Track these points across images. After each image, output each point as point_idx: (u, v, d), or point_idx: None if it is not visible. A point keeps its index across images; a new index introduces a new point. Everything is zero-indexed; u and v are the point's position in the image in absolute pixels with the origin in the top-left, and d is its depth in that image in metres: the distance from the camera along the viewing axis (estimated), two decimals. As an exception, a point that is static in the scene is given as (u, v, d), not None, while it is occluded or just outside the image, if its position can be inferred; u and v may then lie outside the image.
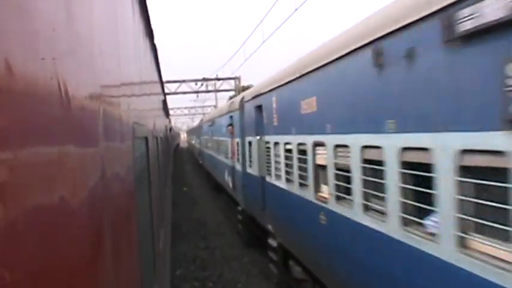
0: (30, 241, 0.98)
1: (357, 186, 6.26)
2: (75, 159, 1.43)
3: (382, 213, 5.64)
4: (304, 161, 8.55)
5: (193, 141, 67.55)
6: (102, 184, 1.83)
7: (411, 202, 4.99)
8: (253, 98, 13.03)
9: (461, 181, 4.07)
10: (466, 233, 4.08)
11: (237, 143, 16.58)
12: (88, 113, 1.66)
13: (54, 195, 1.17)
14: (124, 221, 2.54)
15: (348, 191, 6.62)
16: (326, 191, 7.68)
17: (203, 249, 16.12)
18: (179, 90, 40.85)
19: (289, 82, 9.30)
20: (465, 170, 4.05)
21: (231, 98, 22.98)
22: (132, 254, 2.79)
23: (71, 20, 1.50)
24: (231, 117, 17.94)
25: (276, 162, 10.75)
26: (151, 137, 5.62)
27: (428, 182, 4.53)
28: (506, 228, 3.58)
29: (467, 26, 3.80)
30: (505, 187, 3.56)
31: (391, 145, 5.21)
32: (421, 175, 4.70)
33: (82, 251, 1.45)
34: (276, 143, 10.62)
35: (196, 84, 41.83)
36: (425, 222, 4.76)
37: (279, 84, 10.08)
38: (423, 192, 4.68)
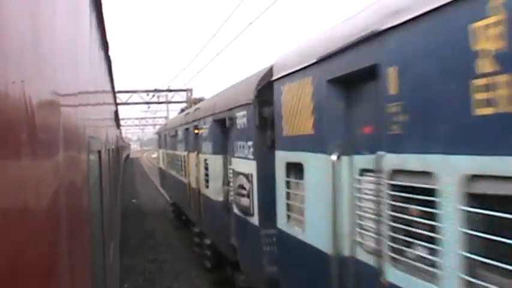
0: None
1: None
2: (32, 172, 1.44)
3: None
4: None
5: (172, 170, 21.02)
6: (57, 199, 1.85)
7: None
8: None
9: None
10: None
11: None
12: (44, 129, 1.68)
13: (7, 207, 1.16)
14: (78, 235, 2.55)
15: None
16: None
17: (151, 262, 15.90)
18: (130, 100, 40.18)
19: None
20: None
21: (182, 110, 22.74)
22: (84, 268, 2.79)
23: (25, 29, 1.46)
24: None
25: None
26: (104, 150, 5.57)
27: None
28: None
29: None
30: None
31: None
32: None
33: (36, 263, 1.46)
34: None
35: (147, 95, 41.24)
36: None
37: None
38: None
